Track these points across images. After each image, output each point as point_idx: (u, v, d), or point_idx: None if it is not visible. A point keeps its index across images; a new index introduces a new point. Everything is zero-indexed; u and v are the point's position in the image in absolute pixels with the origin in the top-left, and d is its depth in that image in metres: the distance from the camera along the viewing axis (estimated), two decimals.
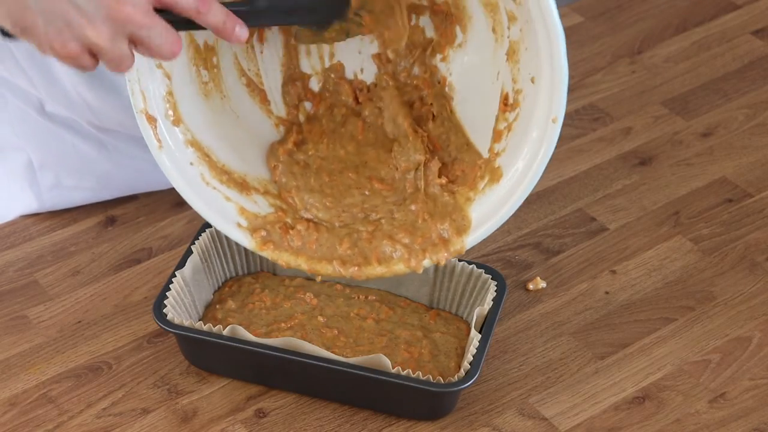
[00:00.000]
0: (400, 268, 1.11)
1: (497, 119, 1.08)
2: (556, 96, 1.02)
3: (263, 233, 1.13)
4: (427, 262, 1.10)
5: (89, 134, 1.29)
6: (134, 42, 0.97)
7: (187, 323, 1.11)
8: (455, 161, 1.12)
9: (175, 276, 1.14)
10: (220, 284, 1.20)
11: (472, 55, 1.11)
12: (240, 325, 1.12)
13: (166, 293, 1.12)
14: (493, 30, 1.08)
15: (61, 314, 1.20)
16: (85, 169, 1.30)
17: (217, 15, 0.99)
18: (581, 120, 1.42)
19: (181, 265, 1.15)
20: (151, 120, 1.09)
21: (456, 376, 1.08)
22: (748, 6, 1.59)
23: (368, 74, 1.15)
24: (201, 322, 1.12)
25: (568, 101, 1.43)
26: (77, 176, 1.30)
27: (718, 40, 1.54)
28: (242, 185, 1.14)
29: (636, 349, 1.16)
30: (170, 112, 1.10)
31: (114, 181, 1.30)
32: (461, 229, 1.10)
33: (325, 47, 1.15)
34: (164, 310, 1.11)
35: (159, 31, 0.97)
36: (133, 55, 0.98)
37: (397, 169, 1.14)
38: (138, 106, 1.08)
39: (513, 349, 1.16)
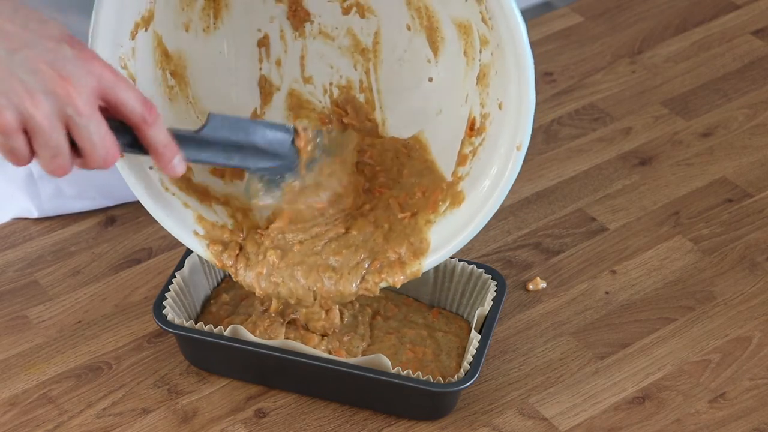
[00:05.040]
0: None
1: (463, 143, 1.08)
2: (522, 123, 1.01)
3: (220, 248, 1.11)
4: (383, 285, 1.09)
5: None
6: (70, 133, 0.94)
7: (187, 324, 1.11)
8: (413, 185, 1.12)
9: (175, 276, 1.14)
10: (219, 283, 1.19)
11: (443, 77, 1.10)
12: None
13: (166, 294, 1.12)
14: (465, 53, 1.07)
15: (61, 314, 1.20)
16: (85, 178, 1.29)
17: (161, 133, 0.97)
18: (581, 120, 1.42)
19: (181, 265, 1.15)
20: None
21: (456, 376, 1.08)
22: (748, 6, 1.59)
23: (335, 90, 1.14)
24: (201, 322, 1.12)
25: (569, 101, 1.45)
26: (78, 186, 1.29)
27: (718, 40, 1.54)
28: (203, 193, 1.12)
29: (636, 349, 1.16)
30: None
31: (115, 190, 1.29)
32: (419, 252, 1.08)
33: (296, 60, 1.14)
34: (164, 311, 1.11)
35: (97, 127, 0.94)
36: (70, 156, 0.94)
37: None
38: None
39: (513, 349, 1.16)
